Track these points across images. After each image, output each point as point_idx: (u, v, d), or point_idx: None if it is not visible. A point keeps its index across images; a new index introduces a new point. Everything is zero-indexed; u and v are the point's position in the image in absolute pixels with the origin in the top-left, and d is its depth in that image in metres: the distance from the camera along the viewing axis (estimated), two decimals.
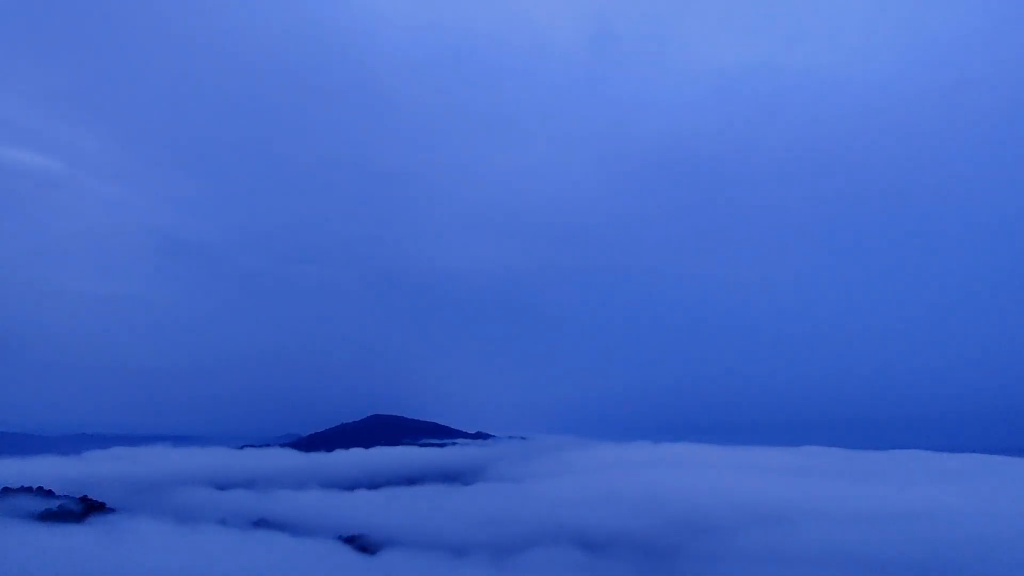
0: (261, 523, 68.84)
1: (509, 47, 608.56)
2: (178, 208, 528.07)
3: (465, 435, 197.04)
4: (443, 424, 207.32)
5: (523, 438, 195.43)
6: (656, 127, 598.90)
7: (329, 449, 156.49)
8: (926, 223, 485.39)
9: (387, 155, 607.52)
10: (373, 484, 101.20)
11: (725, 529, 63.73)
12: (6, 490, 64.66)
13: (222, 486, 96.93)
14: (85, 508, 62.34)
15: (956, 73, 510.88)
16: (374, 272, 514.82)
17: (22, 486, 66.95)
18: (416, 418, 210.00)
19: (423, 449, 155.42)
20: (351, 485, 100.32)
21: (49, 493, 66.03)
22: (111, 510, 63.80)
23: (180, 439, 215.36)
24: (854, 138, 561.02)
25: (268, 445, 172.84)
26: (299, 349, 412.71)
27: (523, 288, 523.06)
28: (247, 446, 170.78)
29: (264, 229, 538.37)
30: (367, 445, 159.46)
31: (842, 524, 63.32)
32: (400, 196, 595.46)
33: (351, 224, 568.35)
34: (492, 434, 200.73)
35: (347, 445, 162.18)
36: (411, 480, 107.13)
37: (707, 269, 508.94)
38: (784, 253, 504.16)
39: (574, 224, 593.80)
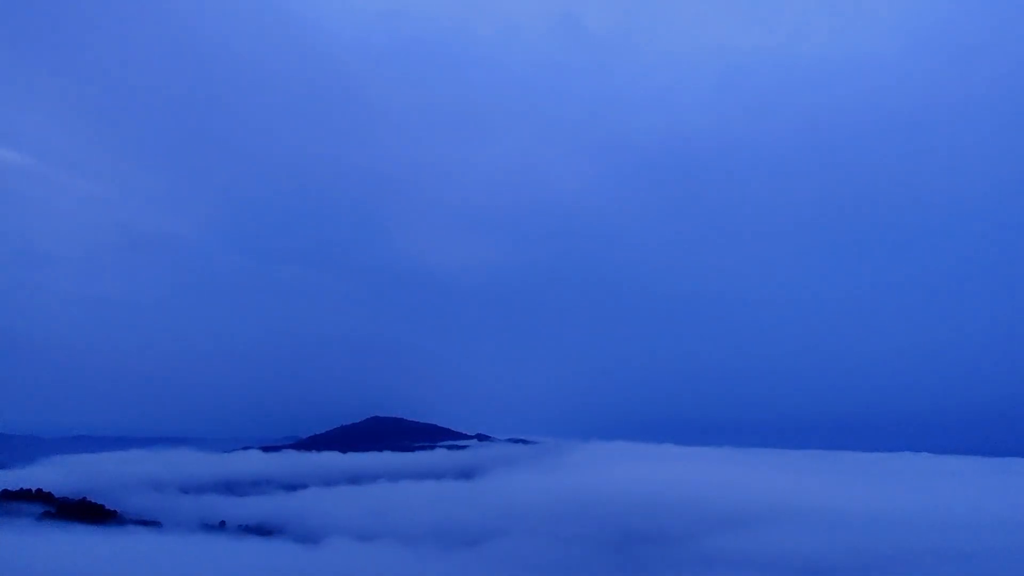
0: (257, 526, 68.86)
1: (474, 36, 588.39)
2: (155, 205, 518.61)
3: (465, 437, 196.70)
4: (443, 426, 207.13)
5: (523, 440, 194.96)
6: (644, 119, 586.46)
7: (326, 450, 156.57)
8: (936, 222, 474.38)
9: (358, 150, 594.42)
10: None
11: (693, 531, 64.21)
12: (6, 493, 64.66)
13: (220, 488, 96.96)
14: (84, 511, 62.33)
15: (965, 51, 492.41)
16: (366, 272, 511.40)
17: (21, 488, 66.98)
18: (416, 420, 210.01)
19: (408, 453, 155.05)
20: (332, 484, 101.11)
21: (48, 496, 66.04)
22: (110, 512, 63.82)
23: (179, 441, 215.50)
24: (860, 130, 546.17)
25: (266, 447, 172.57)
26: (298, 350, 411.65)
27: (524, 287, 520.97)
28: (246, 448, 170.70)
29: (243, 227, 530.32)
30: (367, 447, 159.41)
31: (819, 526, 63.71)
32: (377, 192, 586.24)
33: (331, 222, 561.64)
34: (493, 436, 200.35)
35: (347, 447, 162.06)
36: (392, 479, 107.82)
37: (707, 267, 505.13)
38: (786, 251, 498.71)
39: (565, 221, 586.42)
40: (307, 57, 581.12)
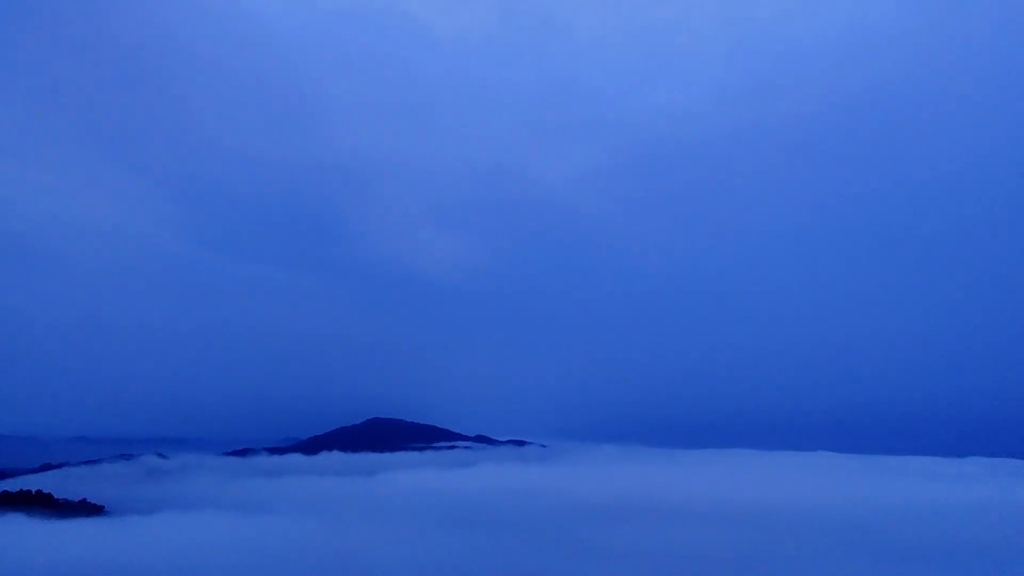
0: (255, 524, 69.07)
1: (415, 18, 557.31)
2: (130, 203, 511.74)
3: (465, 438, 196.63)
4: (443, 427, 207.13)
5: (523, 442, 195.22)
6: (637, 103, 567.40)
7: (325, 451, 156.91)
8: (947, 221, 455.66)
9: (313, 145, 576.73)
10: None
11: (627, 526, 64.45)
12: (5, 494, 64.90)
13: (219, 488, 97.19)
14: (83, 511, 62.63)
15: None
16: (349, 270, 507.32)
17: (21, 490, 67.24)
18: (416, 421, 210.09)
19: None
20: None
21: (48, 497, 66.29)
22: (109, 513, 64.09)
23: (179, 443, 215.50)
24: (874, 114, 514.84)
25: (266, 448, 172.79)
26: (298, 351, 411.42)
27: (521, 285, 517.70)
28: (246, 449, 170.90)
29: (224, 227, 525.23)
30: (366, 448, 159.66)
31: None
32: (344, 187, 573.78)
33: (312, 221, 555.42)
34: (493, 437, 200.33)
35: (346, 448, 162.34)
36: None
37: (706, 262, 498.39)
38: (792, 245, 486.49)
39: (560, 216, 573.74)
40: (256, 47, 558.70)
